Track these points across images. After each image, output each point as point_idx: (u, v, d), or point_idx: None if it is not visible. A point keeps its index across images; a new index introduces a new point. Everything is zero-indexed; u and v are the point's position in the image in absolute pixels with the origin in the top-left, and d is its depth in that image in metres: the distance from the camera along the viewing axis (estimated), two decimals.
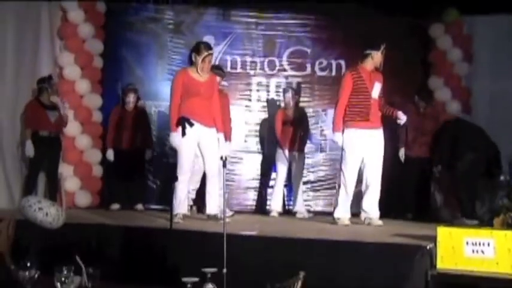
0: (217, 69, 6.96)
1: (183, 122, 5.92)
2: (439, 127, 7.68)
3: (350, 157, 6.31)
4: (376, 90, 6.35)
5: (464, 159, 7.14)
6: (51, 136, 7.44)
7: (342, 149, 6.37)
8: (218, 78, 6.68)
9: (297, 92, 8.12)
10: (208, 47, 6.21)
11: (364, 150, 6.31)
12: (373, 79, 6.35)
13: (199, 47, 6.11)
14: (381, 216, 6.47)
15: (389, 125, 8.14)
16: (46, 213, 4.87)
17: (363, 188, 6.42)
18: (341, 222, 6.26)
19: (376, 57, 6.37)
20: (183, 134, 5.91)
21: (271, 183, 8.27)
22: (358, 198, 6.55)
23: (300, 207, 7.76)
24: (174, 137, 5.99)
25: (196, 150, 6.12)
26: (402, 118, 6.41)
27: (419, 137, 7.78)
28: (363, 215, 6.44)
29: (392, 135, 7.89)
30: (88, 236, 5.35)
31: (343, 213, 6.34)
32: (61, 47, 8.17)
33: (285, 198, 8.22)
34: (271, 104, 8.61)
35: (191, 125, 5.93)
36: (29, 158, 7.37)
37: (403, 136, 7.79)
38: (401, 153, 7.77)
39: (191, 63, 6.12)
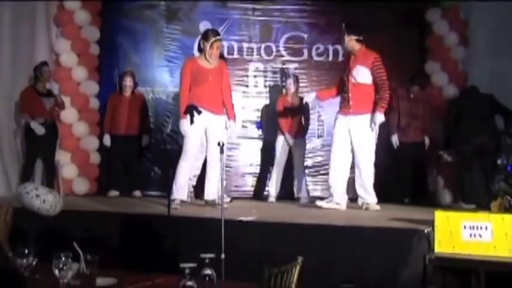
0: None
1: (191, 109, 5.96)
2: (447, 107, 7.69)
3: (334, 142, 6.45)
4: (358, 74, 6.34)
5: (472, 141, 7.16)
6: (47, 123, 7.43)
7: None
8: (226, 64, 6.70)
9: (297, 78, 8.10)
10: (216, 33, 6.30)
11: (349, 135, 6.35)
12: (353, 63, 6.36)
13: (207, 34, 6.18)
14: (378, 201, 6.50)
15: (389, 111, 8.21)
16: (43, 200, 4.86)
17: (356, 173, 6.44)
18: (340, 208, 6.29)
19: (347, 42, 6.44)
20: (192, 121, 5.95)
21: (270, 169, 8.26)
22: (354, 184, 6.58)
23: (303, 193, 7.77)
24: (182, 123, 6.02)
25: (203, 137, 6.13)
26: (378, 120, 6.37)
27: (412, 121, 7.79)
28: (360, 200, 6.47)
29: (389, 120, 7.93)
30: (86, 223, 5.36)
31: (339, 198, 6.36)
32: (57, 34, 8.15)
33: (289, 184, 8.26)
34: (272, 90, 8.59)
35: (199, 112, 5.98)
36: (26, 146, 7.37)
37: (395, 121, 7.79)
38: (394, 139, 7.78)
39: (200, 50, 6.14)
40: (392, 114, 7.75)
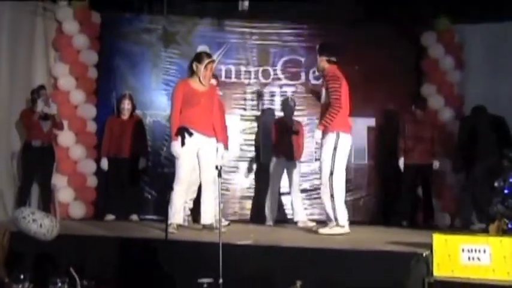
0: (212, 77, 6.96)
1: (182, 131, 5.94)
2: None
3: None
4: (324, 94, 6.38)
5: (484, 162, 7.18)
6: (44, 146, 7.43)
7: None
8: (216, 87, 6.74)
9: (294, 102, 8.13)
10: (209, 55, 6.31)
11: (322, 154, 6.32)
12: (323, 84, 6.45)
13: (201, 55, 6.19)
14: (378, 224, 6.46)
15: (386, 133, 8.27)
16: (40, 224, 4.85)
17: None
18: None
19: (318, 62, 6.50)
20: (182, 143, 5.92)
21: (266, 192, 8.24)
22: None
23: (301, 216, 7.74)
24: (174, 145, 5.99)
25: (195, 160, 6.12)
26: (316, 136, 6.34)
27: (417, 144, 7.81)
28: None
29: (390, 143, 7.96)
30: (82, 247, 5.32)
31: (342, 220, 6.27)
32: (55, 57, 8.18)
33: (286, 208, 8.25)
34: (267, 113, 8.62)
35: (190, 134, 5.96)
36: (22, 169, 7.36)
37: (401, 145, 7.84)
38: (401, 162, 7.82)
39: (191, 73, 6.14)
40: (399, 137, 7.82)
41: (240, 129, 8.66)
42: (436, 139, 7.92)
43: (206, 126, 6.10)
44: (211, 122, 6.15)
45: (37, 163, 7.38)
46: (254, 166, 8.63)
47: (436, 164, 7.87)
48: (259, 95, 8.58)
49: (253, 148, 8.68)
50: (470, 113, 7.83)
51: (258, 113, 8.71)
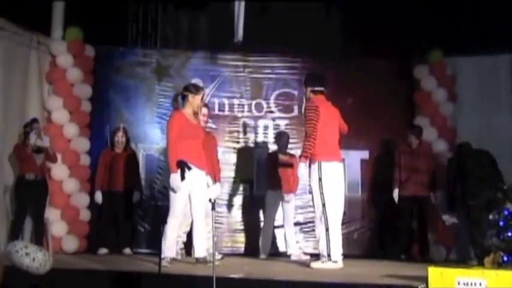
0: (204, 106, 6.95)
1: (182, 165, 5.89)
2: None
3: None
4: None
5: (480, 196, 7.19)
6: (37, 179, 7.39)
7: None
8: (205, 117, 6.76)
9: (288, 135, 8.15)
10: (198, 86, 6.35)
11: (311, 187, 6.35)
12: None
13: (196, 87, 6.26)
14: (374, 257, 6.41)
15: (380, 166, 8.28)
16: (33, 258, 4.82)
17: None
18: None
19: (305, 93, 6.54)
20: (182, 178, 5.87)
21: (260, 225, 8.23)
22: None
23: (294, 249, 7.71)
24: (174, 178, 5.90)
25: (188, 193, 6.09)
26: (300, 169, 6.38)
27: (412, 176, 7.81)
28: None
29: (386, 175, 7.96)
30: (76, 281, 5.26)
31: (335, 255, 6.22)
32: (49, 91, 8.19)
33: (279, 241, 8.22)
34: (260, 146, 8.63)
35: (189, 168, 5.91)
36: (15, 203, 7.32)
37: (397, 176, 7.83)
38: (395, 193, 7.81)
39: (183, 105, 6.15)
40: (394, 168, 7.82)
41: (233, 162, 8.65)
42: (431, 171, 7.92)
43: (200, 160, 6.09)
44: (203, 154, 6.15)
45: (30, 196, 7.34)
46: (247, 199, 8.61)
47: (433, 197, 7.88)
48: (245, 127, 8.58)
49: (246, 181, 8.66)
50: (456, 150, 7.84)
51: (252, 146, 8.72)
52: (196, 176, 6.05)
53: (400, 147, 7.99)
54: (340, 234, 6.20)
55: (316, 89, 6.40)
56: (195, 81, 8.34)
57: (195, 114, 6.14)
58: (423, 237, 7.93)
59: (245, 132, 8.76)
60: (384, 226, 8.41)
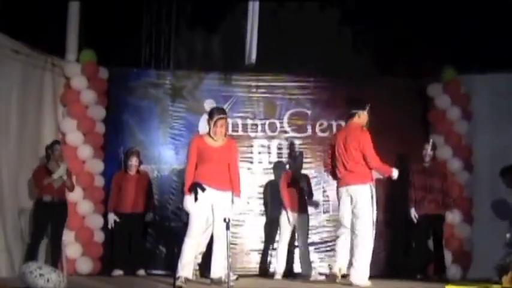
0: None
1: (195, 187, 5.90)
2: None
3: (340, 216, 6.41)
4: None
5: None
6: (54, 201, 7.39)
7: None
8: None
9: (302, 154, 8.13)
10: (221, 110, 6.23)
11: (346, 207, 6.35)
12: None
13: (212, 112, 6.17)
14: (389, 277, 6.38)
15: (395, 185, 8.22)
16: (47, 279, 4.81)
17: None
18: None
19: (362, 116, 6.53)
20: (195, 199, 5.87)
21: (275, 245, 8.18)
22: None
23: (309, 269, 7.64)
24: (187, 200, 5.93)
25: (209, 215, 6.06)
26: None
27: (427, 194, 7.75)
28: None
29: (400, 194, 7.89)
30: None
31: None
32: (64, 113, 8.24)
33: (294, 261, 8.16)
34: (276, 166, 8.61)
35: (203, 190, 5.91)
36: (33, 225, 7.33)
37: (412, 196, 7.77)
38: (413, 213, 7.74)
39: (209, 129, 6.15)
40: (409, 188, 7.76)
41: (247, 182, 8.62)
42: (446, 189, 7.85)
43: (220, 181, 6.04)
44: (226, 176, 6.10)
45: (48, 219, 7.34)
46: (262, 219, 8.57)
47: (448, 215, 7.81)
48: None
49: (261, 201, 8.63)
50: None
51: (265, 166, 8.70)
52: (217, 196, 6.02)
53: (413, 166, 7.92)
54: None
55: (352, 112, 6.56)
56: (208, 102, 8.41)
57: (213, 137, 6.09)
58: (439, 256, 7.82)
59: (259, 152, 8.75)
60: (399, 246, 8.33)
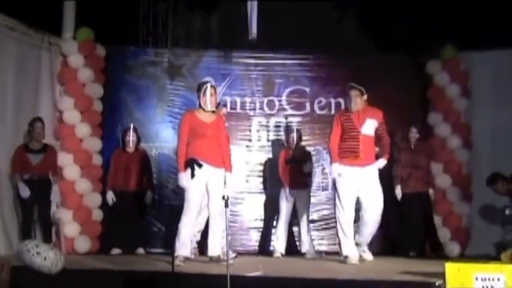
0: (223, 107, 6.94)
1: (191, 163, 5.88)
2: None
3: (343, 195, 6.33)
4: (367, 127, 6.37)
5: None
6: (34, 179, 7.35)
7: (335, 188, 6.43)
8: (223, 117, 6.67)
9: (300, 132, 8.10)
10: (206, 81, 6.23)
11: (356, 187, 6.31)
12: (362, 116, 6.39)
13: (199, 84, 6.23)
14: (384, 254, 6.44)
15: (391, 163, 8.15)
16: (44, 257, 4.79)
17: (360, 225, 6.47)
18: (349, 261, 6.19)
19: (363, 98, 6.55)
20: (192, 175, 5.85)
21: (274, 223, 8.18)
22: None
23: (308, 247, 7.65)
24: (182, 177, 5.92)
25: (205, 192, 6.05)
26: (380, 164, 6.51)
27: (413, 172, 7.73)
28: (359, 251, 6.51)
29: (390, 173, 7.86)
30: (88, 282, 5.23)
31: (350, 251, 6.27)
32: (61, 91, 8.18)
33: (294, 239, 8.18)
34: (275, 144, 8.58)
35: (200, 166, 5.89)
36: (19, 205, 7.30)
37: (398, 173, 7.75)
38: (398, 191, 7.72)
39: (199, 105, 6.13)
40: (395, 165, 7.73)
41: (246, 160, 8.61)
42: (430, 168, 7.91)
43: (215, 158, 6.04)
44: (219, 152, 6.09)
45: (32, 196, 7.29)
46: (261, 197, 8.56)
47: (431, 193, 7.80)
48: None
49: (260, 179, 8.61)
50: None
51: (264, 144, 8.67)
52: (212, 173, 6.01)
53: (400, 144, 7.88)
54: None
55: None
56: (206, 79, 8.31)
57: (204, 109, 6.07)
58: (432, 233, 7.81)
59: (257, 130, 8.72)
60: (393, 223, 8.30)
